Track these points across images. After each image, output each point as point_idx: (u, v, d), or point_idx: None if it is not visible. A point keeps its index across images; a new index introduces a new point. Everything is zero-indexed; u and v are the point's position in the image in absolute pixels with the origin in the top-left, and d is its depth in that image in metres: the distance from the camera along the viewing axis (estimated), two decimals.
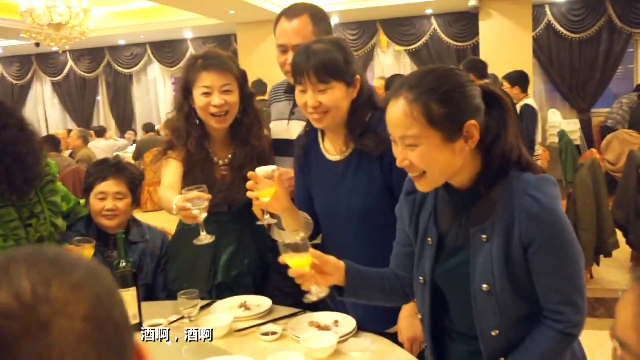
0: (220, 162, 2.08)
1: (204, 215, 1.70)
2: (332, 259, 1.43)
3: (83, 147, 7.82)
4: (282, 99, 2.16)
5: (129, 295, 1.84)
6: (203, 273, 2.07)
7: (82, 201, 2.31)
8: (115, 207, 2.20)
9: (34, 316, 0.48)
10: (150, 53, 11.03)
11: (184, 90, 2.00)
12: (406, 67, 9.53)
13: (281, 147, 2.07)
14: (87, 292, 0.53)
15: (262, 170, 1.85)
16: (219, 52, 2.05)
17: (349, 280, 1.45)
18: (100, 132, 9.30)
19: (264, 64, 8.26)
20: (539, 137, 5.80)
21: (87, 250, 1.87)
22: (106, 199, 2.21)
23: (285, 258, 1.39)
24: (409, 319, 1.68)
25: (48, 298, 0.50)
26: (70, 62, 11.52)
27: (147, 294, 2.19)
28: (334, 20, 9.30)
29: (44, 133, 9.49)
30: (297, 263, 1.38)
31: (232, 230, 2.09)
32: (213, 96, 1.95)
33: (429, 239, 1.39)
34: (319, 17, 2.02)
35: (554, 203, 1.23)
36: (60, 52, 10.01)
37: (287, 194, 1.75)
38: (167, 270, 2.20)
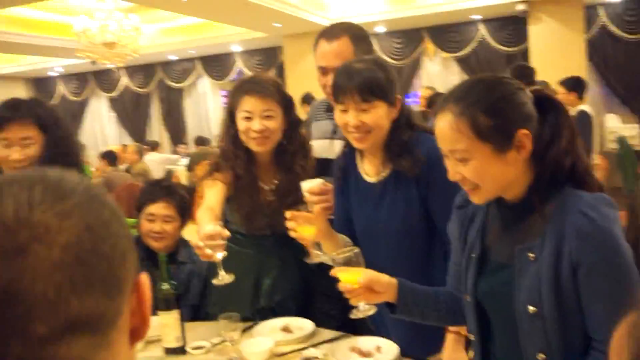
0: (266, 187, 2.07)
1: (221, 254, 1.69)
2: (384, 278, 1.42)
3: (139, 161, 8.06)
4: (324, 118, 2.15)
5: (171, 318, 1.86)
6: (246, 297, 2.06)
7: (132, 220, 2.36)
8: (162, 230, 2.24)
9: (11, 239, 0.48)
10: (200, 67, 11.28)
11: (230, 113, 2.01)
12: (454, 74, 9.37)
13: (323, 167, 2.05)
14: (75, 220, 0.52)
15: (308, 184, 1.86)
16: (264, 77, 2.05)
17: (401, 299, 1.43)
18: (154, 146, 9.56)
19: (311, 75, 8.26)
20: (596, 145, 5.58)
21: None
22: (155, 221, 2.25)
23: (337, 272, 1.40)
24: (457, 353, 1.62)
25: (29, 223, 0.49)
26: (124, 79, 11.92)
27: (194, 315, 2.20)
28: (380, 30, 9.27)
29: (101, 148, 9.83)
30: (348, 278, 1.39)
31: (275, 255, 2.07)
32: (254, 121, 1.94)
33: (474, 255, 1.34)
34: (359, 38, 2.00)
35: (609, 223, 1.15)
36: (116, 69, 10.36)
37: (327, 222, 1.72)
38: (208, 293, 2.20)
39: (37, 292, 0.48)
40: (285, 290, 2.07)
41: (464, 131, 1.19)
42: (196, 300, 2.24)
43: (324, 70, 1.99)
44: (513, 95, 1.21)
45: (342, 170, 1.84)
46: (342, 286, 1.39)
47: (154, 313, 1.92)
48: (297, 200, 1.99)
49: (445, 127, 1.22)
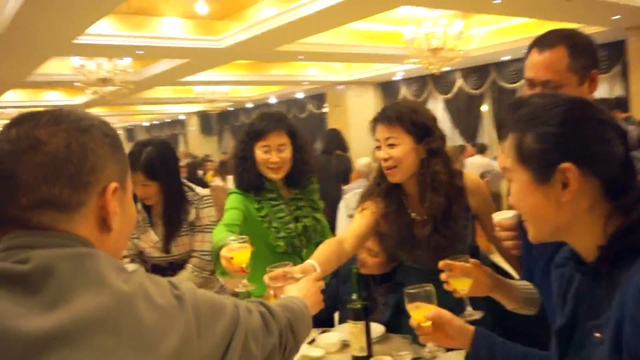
0: (419, 218, 2.01)
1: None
2: (457, 321, 1.33)
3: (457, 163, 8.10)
4: None
5: (357, 329, 1.96)
6: None
7: None
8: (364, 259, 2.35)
9: (18, 144, 0.81)
10: None
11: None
12: None
13: None
14: (59, 139, 0.82)
15: (499, 216, 1.75)
16: (397, 105, 2.01)
17: (474, 349, 1.31)
18: (482, 149, 9.42)
19: None
20: None
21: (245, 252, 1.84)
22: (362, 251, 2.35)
23: (408, 307, 1.39)
24: None
25: (31, 136, 0.81)
26: (459, 80, 12.21)
27: None
28: None
29: None
30: (418, 314, 1.36)
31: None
32: (381, 149, 1.95)
33: (557, 326, 1.10)
34: (579, 48, 1.66)
35: None
36: (446, 71, 10.65)
37: (492, 274, 1.54)
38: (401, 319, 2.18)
39: (22, 177, 0.80)
40: None
41: (509, 149, 1.04)
42: None
43: (531, 84, 1.73)
44: (582, 123, 0.96)
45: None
46: (412, 322, 1.36)
47: (345, 321, 2.06)
48: (454, 232, 1.92)
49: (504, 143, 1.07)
